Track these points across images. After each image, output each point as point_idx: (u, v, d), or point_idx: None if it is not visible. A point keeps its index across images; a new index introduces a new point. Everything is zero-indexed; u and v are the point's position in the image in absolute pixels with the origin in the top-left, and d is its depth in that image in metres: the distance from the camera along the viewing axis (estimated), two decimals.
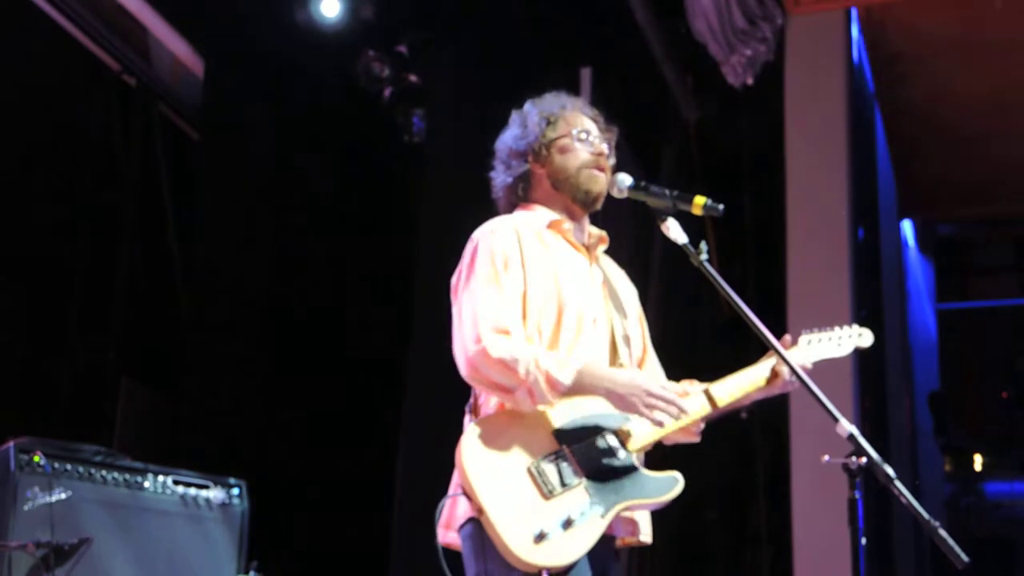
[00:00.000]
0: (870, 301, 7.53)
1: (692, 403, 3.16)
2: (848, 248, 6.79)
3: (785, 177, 6.87)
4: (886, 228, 8.71)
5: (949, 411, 11.21)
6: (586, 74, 6.90)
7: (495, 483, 2.87)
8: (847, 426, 2.75)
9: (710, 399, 3.20)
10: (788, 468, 6.48)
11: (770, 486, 7.29)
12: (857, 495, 2.74)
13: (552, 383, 2.93)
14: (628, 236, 7.44)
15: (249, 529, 5.07)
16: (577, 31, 7.04)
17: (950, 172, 9.53)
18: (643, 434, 3.06)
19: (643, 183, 3.21)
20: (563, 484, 2.91)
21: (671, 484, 3.04)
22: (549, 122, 3.31)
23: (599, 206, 3.33)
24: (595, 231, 3.36)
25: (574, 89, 6.99)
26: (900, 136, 8.88)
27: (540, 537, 2.82)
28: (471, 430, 2.93)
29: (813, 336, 3.46)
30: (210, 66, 7.24)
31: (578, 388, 2.97)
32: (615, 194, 3.27)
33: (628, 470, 3.00)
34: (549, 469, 2.92)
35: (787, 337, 3.36)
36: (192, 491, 4.92)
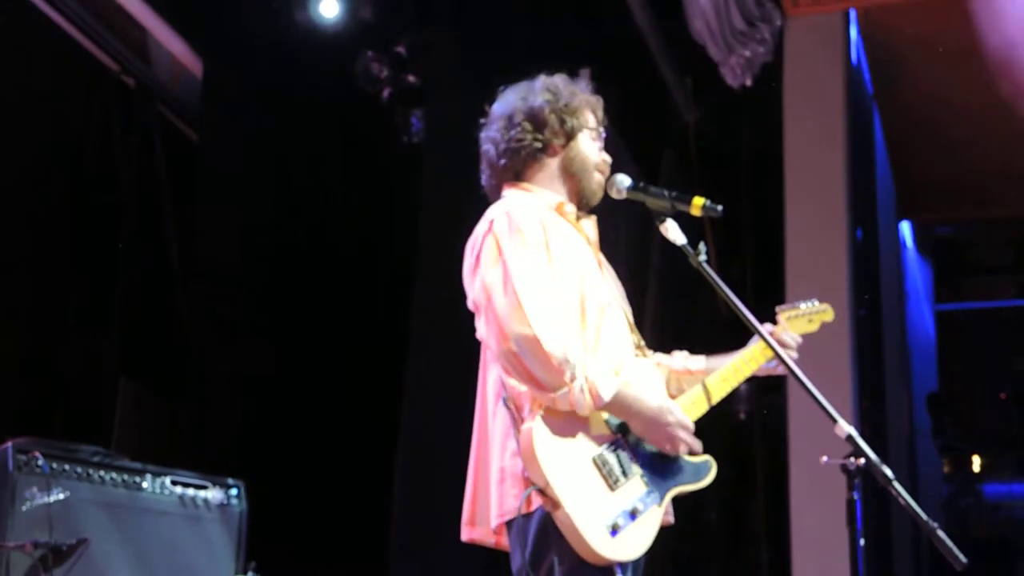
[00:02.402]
0: (868, 302, 7.54)
1: (692, 398, 3.18)
2: (846, 249, 6.80)
3: (784, 178, 6.88)
4: (884, 229, 8.72)
5: (947, 412, 11.21)
6: (584, 75, 6.89)
7: (567, 476, 2.83)
8: (845, 427, 2.75)
9: (707, 394, 3.21)
10: (786, 469, 6.49)
11: (768, 487, 7.29)
12: (855, 496, 2.74)
13: (595, 396, 2.90)
14: (627, 237, 7.44)
15: (247, 529, 5.07)
16: (576, 32, 7.05)
17: (949, 174, 9.53)
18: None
19: (642, 184, 3.22)
20: (624, 474, 2.92)
21: (708, 467, 3.10)
22: (585, 106, 3.30)
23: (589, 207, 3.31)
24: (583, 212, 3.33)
25: None
26: (899, 137, 8.88)
27: (614, 530, 2.82)
28: (539, 425, 2.86)
29: (790, 312, 3.49)
30: (209, 67, 7.24)
31: (613, 406, 2.95)
32: (614, 195, 3.27)
33: (671, 457, 3.03)
34: (611, 459, 2.92)
35: (767, 326, 3.37)
36: (190, 491, 4.92)
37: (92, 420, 6.50)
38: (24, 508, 4.31)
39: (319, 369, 7.08)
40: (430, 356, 6.25)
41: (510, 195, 3.24)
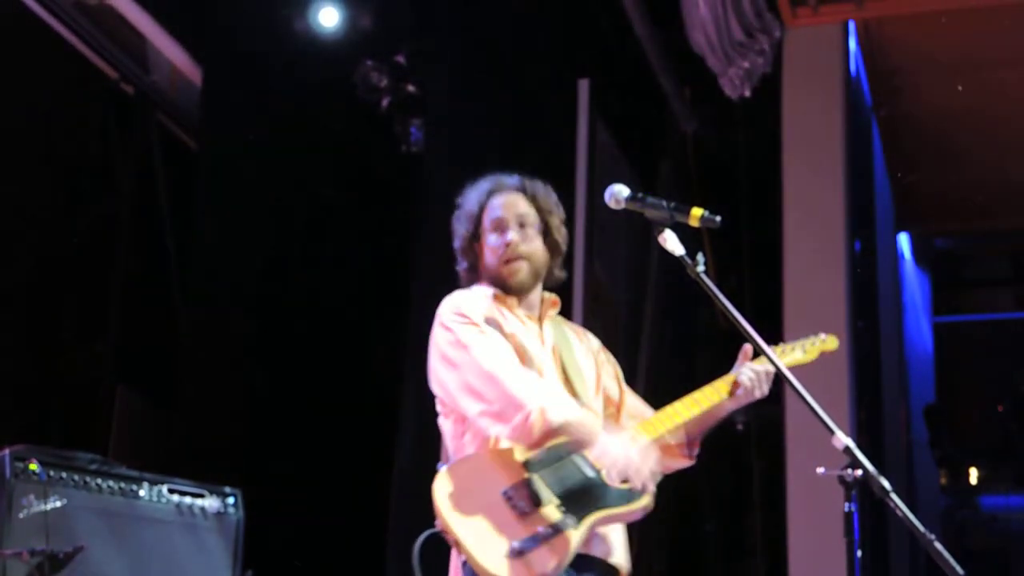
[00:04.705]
0: (866, 313, 7.54)
1: (646, 423, 3.24)
2: (845, 260, 6.81)
3: (782, 189, 6.88)
4: (883, 241, 8.73)
5: (945, 424, 11.22)
6: (584, 86, 6.92)
7: (468, 515, 2.94)
8: (843, 438, 2.75)
9: (666, 418, 3.24)
10: (784, 480, 6.49)
11: (766, 498, 7.29)
12: (852, 507, 2.74)
13: (546, 422, 3.01)
14: (625, 247, 7.44)
15: (244, 538, 5.06)
16: (575, 43, 7.06)
17: (947, 185, 9.55)
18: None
19: (640, 194, 3.21)
20: (536, 504, 2.97)
21: (639, 493, 3.07)
22: (479, 212, 3.40)
23: (530, 294, 3.39)
24: (547, 295, 3.44)
25: (572, 101, 7.03)
26: (897, 149, 8.90)
27: (513, 553, 2.87)
28: (443, 473, 3.03)
29: (786, 347, 3.47)
30: (208, 75, 7.25)
31: (565, 431, 3.04)
32: (612, 205, 3.27)
33: (596, 484, 3.05)
34: (519, 495, 2.98)
35: (748, 347, 3.34)
36: (187, 500, 4.92)
37: (89, 428, 6.49)
38: (21, 516, 4.30)
39: (317, 378, 7.07)
40: (427, 366, 6.24)
41: (469, 288, 3.43)
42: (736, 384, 3.27)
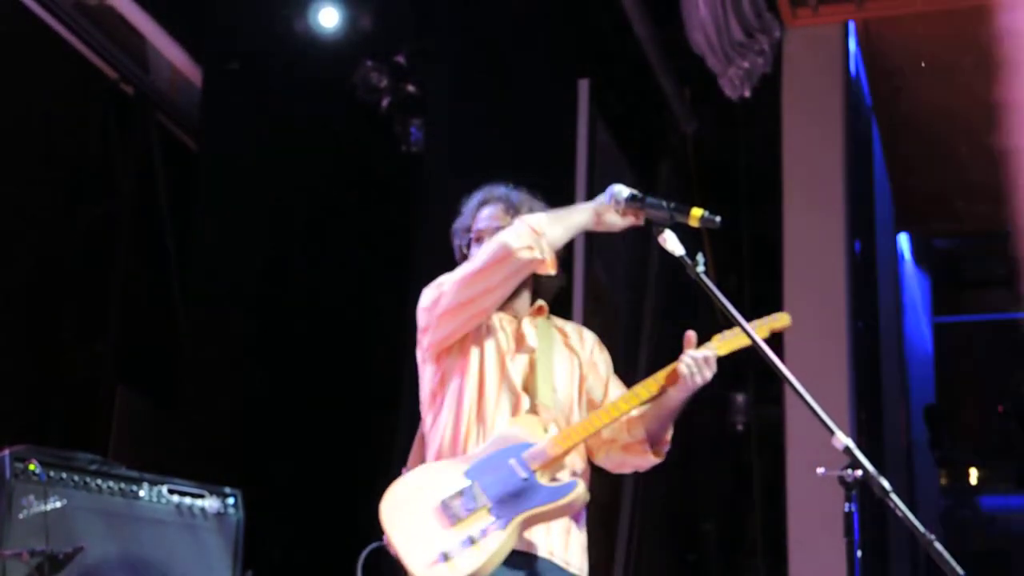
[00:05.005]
0: (866, 314, 7.54)
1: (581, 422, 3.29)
2: (844, 261, 6.81)
3: (782, 189, 6.88)
4: (883, 241, 8.73)
5: (945, 424, 11.21)
6: (584, 86, 6.92)
7: (407, 526, 3.05)
8: (843, 439, 2.75)
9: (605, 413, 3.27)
10: (784, 480, 6.49)
11: (766, 498, 7.29)
12: (852, 508, 2.74)
13: (536, 229, 3.14)
14: (625, 247, 7.44)
15: (244, 539, 5.06)
16: (575, 43, 7.06)
17: (947, 185, 9.54)
18: (549, 454, 3.14)
19: (640, 195, 3.22)
20: (468, 511, 3.05)
21: (568, 489, 3.12)
22: (470, 223, 3.49)
23: (514, 303, 3.41)
24: (538, 302, 3.48)
25: (572, 101, 7.04)
26: (897, 149, 8.89)
27: (443, 557, 2.97)
28: (390, 491, 3.13)
29: (737, 330, 3.33)
30: (208, 75, 7.25)
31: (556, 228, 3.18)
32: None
33: (527, 485, 3.10)
34: (455, 502, 3.07)
35: (690, 333, 3.28)
36: (187, 500, 4.91)
37: (89, 428, 6.49)
38: (21, 516, 4.30)
39: (317, 378, 7.07)
40: None
41: None
42: (675, 373, 3.25)
